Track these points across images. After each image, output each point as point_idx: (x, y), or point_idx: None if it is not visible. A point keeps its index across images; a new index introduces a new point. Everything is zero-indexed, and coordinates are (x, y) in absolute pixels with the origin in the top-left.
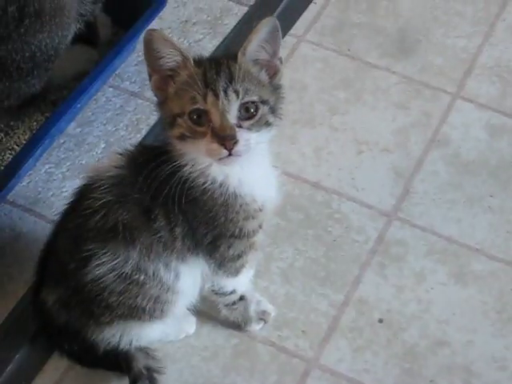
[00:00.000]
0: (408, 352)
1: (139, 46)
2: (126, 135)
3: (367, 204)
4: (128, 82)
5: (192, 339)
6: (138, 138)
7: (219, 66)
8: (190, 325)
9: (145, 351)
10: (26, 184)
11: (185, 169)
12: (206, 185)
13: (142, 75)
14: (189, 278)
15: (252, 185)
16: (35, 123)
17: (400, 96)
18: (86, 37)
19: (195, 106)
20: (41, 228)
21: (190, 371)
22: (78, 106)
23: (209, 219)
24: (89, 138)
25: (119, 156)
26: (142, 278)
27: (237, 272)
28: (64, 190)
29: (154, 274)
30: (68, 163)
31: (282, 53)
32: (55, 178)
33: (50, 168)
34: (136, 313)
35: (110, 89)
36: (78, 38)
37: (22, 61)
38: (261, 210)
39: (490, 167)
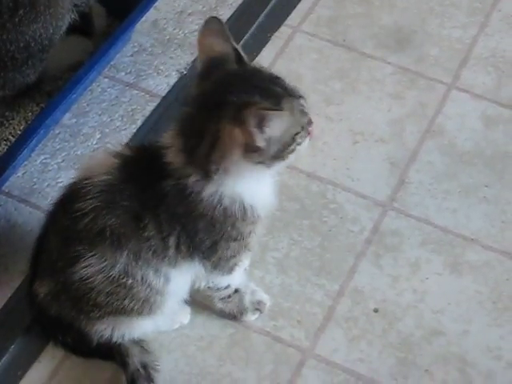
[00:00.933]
0: (403, 342)
1: (134, 36)
2: (121, 126)
3: (362, 194)
4: (123, 73)
5: (187, 329)
6: (133, 128)
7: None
8: (184, 315)
9: (139, 345)
10: (21, 175)
11: (189, 180)
12: (216, 198)
13: (137, 66)
14: (179, 280)
15: (261, 196)
16: (30, 114)
17: (395, 86)
18: (81, 27)
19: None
20: (36, 219)
21: (185, 361)
22: (73, 96)
23: (212, 228)
24: (84, 129)
25: (112, 158)
26: (130, 281)
27: (231, 270)
28: (59, 180)
29: (142, 279)
30: (63, 154)
31: (278, 43)
32: (50, 169)
33: (45, 159)
34: (124, 311)
35: (105, 79)
36: (73, 29)
37: (17, 51)
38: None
39: (485, 157)
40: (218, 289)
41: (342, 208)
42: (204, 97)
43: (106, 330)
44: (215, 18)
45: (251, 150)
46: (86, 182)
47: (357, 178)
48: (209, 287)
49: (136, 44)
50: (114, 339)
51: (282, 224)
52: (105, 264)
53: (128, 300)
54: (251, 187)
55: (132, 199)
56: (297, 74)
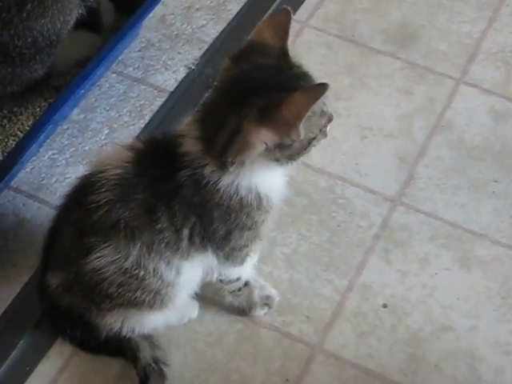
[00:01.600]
0: (412, 337)
1: (142, 31)
2: (129, 121)
3: (371, 189)
4: (131, 68)
5: (196, 325)
6: (141, 123)
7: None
8: (193, 309)
9: (149, 340)
10: (30, 170)
11: (205, 170)
12: (233, 188)
13: (145, 61)
14: (191, 272)
15: (275, 185)
16: (38, 109)
17: (404, 81)
18: (89, 23)
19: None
20: (44, 214)
21: (194, 356)
22: (82, 92)
23: (228, 217)
24: (92, 124)
25: (126, 151)
26: (142, 273)
27: (243, 261)
28: (67, 176)
29: (154, 271)
30: (71, 149)
31: None
32: (58, 164)
33: (53, 154)
34: (135, 303)
35: (113, 75)
36: (81, 24)
37: (25, 46)
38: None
39: (494, 152)
40: (229, 281)
41: (351, 203)
42: (230, 85)
43: (116, 322)
44: (288, 10)
45: (271, 149)
46: (100, 175)
47: (365, 174)
48: (220, 280)
49: (144, 39)
50: (124, 333)
51: (291, 219)
52: (118, 256)
53: (140, 292)
54: (266, 178)
55: (146, 192)
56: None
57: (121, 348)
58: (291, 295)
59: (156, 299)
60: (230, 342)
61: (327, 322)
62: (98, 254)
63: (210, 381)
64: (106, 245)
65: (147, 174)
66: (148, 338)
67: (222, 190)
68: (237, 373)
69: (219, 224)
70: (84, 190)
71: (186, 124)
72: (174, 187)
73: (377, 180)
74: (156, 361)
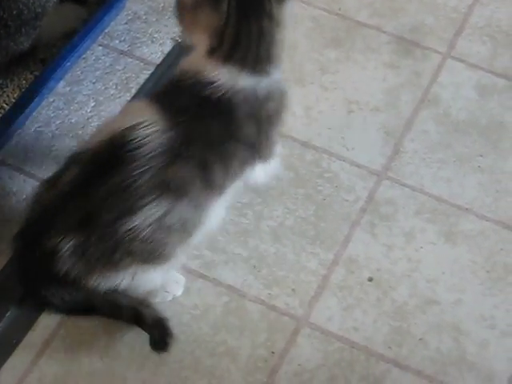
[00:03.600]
0: (397, 310)
1: (128, 4)
2: (115, 94)
3: (357, 163)
4: (117, 41)
5: (182, 298)
6: (127, 96)
7: None
8: (178, 286)
9: (147, 303)
10: (15, 143)
11: (241, 85)
12: (267, 91)
13: (131, 33)
14: (219, 211)
15: None
16: (24, 82)
17: (390, 55)
18: None
19: None
20: (30, 187)
21: (180, 329)
22: (68, 64)
23: (270, 122)
24: (78, 97)
25: (150, 103)
26: (179, 226)
27: (274, 155)
28: (53, 148)
29: (190, 222)
30: (57, 122)
31: None
32: (45, 137)
33: (39, 127)
34: (154, 258)
35: (100, 47)
36: None
37: (10, 18)
38: None
39: (480, 127)
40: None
41: (337, 177)
42: None
43: (125, 279)
44: None
45: None
46: (131, 132)
47: (352, 147)
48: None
49: (130, 12)
50: (130, 291)
51: (277, 193)
52: (160, 214)
53: (169, 245)
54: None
55: (192, 143)
56: (292, 43)
57: (120, 310)
58: (277, 268)
59: (177, 251)
60: (215, 315)
61: (313, 296)
62: (139, 216)
63: (196, 353)
64: (148, 206)
65: (183, 122)
66: (146, 301)
67: (260, 97)
68: (223, 345)
69: (265, 131)
70: (116, 148)
71: (196, 58)
72: (223, 120)
73: (363, 154)
74: (160, 320)
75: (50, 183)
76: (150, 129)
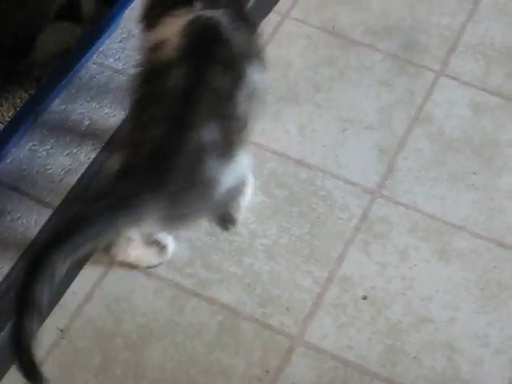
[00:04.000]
0: (391, 329)
1: (123, 22)
2: (110, 112)
3: (351, 181)
4: (112, 59)
5: (176, 316)
6: (122, 115)
7: None
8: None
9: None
10: (10, 161)
11: None
12: None
13: (126, 52)
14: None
15: None
16: (19, 100)
17: (384, 73)
18: (70, 13)
19: None
20: (25, 206)
21: (174, 348)
22: (62, 83)
23: None
24: (73, 115)
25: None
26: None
27: None
28: (48, 167)
29: None
30: (52, 140)
31: (267, 30)
32: (39, 156)
33: (33, 145)
34: None
35: (94, 66)
36: (62, 15)
37: (4, 38)
38: None
39: (473, 145)
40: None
41: (331, 195)
42: None
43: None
44: None
45: None
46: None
47: (346, 165)
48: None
49: (125, 30)
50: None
51: (271, 211)
52: None
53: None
54: None
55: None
56: (286, 61)
57: None
58: (271, 287)
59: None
60: (210, 333)
61: (307, 314)
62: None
63: (191, 373)
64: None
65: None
66: None
67: None
68: (217, 364)
69: None
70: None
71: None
72: None
73: (357, 172)
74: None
75: None
76: None
